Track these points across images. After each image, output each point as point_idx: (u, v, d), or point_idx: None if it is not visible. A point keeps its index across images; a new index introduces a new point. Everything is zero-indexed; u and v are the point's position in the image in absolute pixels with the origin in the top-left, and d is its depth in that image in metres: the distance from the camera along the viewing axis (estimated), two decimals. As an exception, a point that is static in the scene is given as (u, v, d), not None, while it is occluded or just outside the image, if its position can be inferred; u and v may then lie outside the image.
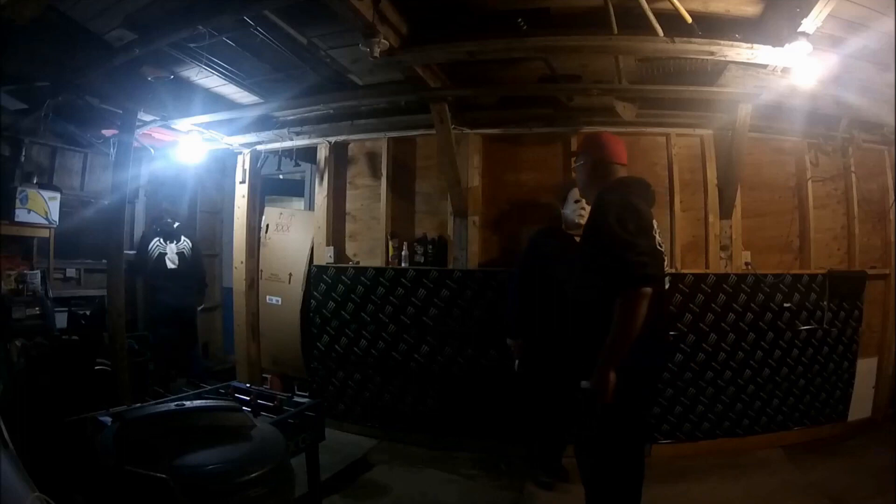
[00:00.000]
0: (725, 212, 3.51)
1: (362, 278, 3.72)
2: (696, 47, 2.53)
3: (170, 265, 4.48)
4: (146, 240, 4.54)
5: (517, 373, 3.04)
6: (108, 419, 1.98)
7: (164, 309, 4.47)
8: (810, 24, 2.24)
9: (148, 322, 4.61)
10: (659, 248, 1.92)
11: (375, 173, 3.97)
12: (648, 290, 1.75)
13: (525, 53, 2.84)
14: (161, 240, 4.48)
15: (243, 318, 4.43)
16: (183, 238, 4.60)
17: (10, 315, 3.50)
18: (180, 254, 4.52)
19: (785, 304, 3.42)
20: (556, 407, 2.91)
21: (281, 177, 5.46)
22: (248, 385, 3.04)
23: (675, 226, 3.52)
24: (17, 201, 3.89)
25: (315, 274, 3.96)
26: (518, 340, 2.99)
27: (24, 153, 4.09)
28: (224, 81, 3.44)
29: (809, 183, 3.69)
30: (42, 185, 4.13)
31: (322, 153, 4.09)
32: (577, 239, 2.67)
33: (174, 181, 5.27)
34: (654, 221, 1.95)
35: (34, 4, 2.25)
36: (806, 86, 2.82)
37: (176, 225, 4.61)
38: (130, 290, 4.95)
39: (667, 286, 2.04)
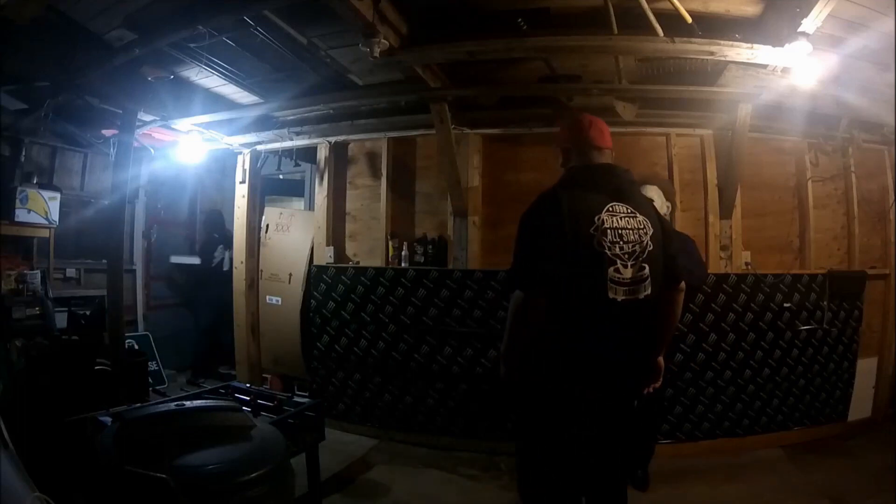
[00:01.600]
0: (725, 212, 3.51)
1: (362, 278, 3.72)
2: (696, 47, 2.53)
3: (224, 267, 5.01)
4: (211, 247, 5.19)
5: None
6: (108, 419, 1.98)
7: (216, 301, 5.03)
8: (810, 24, 2.24)
9: (204, 313, 5.25)
10: (598, 248, 1.61)
11: (375, 173, 3.97)
12: (523, 296, 1.62)
13: (525, 53, 2.84)
14: (223, 247, 5.08)
15: (243, 318, 4.43)
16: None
17: (10, 315, 3.50)
18: (232, 259, 5.03)
19: (785, 304, 3.42)
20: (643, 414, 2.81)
21: (281, 177, 5.46)
22: (248, 385, 3.04)
23: (675, 226, 3.52)
24: (17, 201, 3.88)
25: (315, 274, 3.96)
26: None
27: (24, 153, 4.09)
28: (224, 81, 3.44)
29: (809, 183, 3.69)
30: (42, 185, 4.13)
31: (322, 153, 4.09)
32: None
33: (174, 181, 5.28)
34: (604, 218, 1.64)
35: (34, 4, 2.25)
36: (806, 86, 2.82)
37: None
38: (131, 290, 5.01)
39: (620, 297, 1.62)
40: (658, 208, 2.67)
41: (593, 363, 1.64)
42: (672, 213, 2.91)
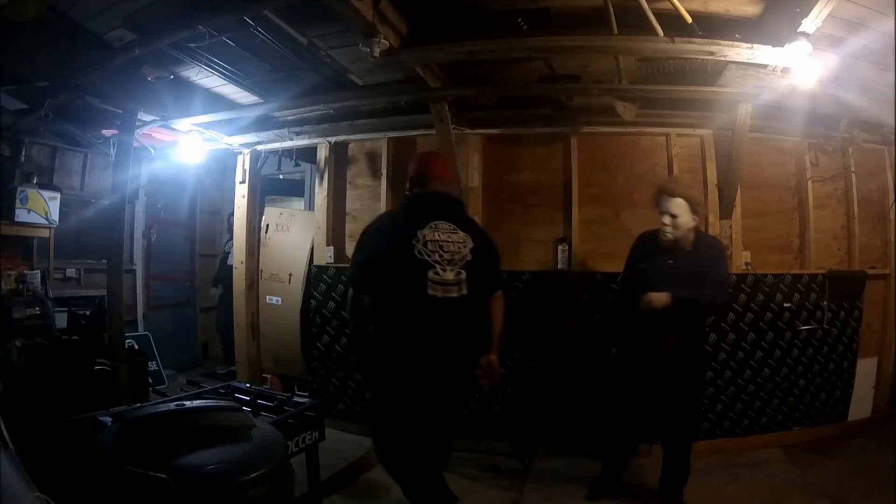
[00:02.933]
0: (725, 212, 3.50)
1: (362, 278, 3.71)
2: (696, 47, 2.53)
3: (228, 261, 5.04)
4: (225, 241, 5.44)
5: (610, 380, 2.71)
6: (108, 419, 1.97)
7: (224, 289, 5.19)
8: (810, 24, 2.24)
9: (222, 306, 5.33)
10: (418, 256, 2.06)
11: (375, 173, 3.96)
12: (354, 293, 2.21)
13: (525, 53, 2.84)
14: (231, 242, 5.05)
15: (243, 318, 4.43)
16: None
17: (10, 315, 3.50)
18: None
19: (785, 304, 3.42)
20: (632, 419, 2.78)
21: (281, 177, 5.46)
22: (248, 385, 3.04)
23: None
24: (17, 201, 3.88)
25: (315, 274, 3.96)
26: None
27: (24, 153, 4.09)
28: (224, 81, 3.43)
29: (809, 183, 3.68)
30: (42, 185, 4.13)
31: (322, 153, 4.09)
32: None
33: (174, 181, 5.28)
34: (425, 232, 2.10)
35: (35, 4, 2.25)
36: (806, 86, 2.82)
37: None
38: (131, 290, 5.01)
39: (440, 294, 2.08)
40: (684, 224, 2.48)
41: (419, 343, 2.09)
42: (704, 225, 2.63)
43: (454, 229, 2.17)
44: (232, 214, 5.15)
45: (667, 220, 2.50)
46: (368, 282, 2.16)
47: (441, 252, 2.10)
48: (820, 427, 3.52)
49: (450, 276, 2.08)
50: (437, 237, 2.12)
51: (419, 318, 2.08)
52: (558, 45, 2.71)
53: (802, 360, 3.48)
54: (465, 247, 2.15)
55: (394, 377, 2.13)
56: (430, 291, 2.05)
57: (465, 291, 2.10)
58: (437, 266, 2.07)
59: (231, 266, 4.93)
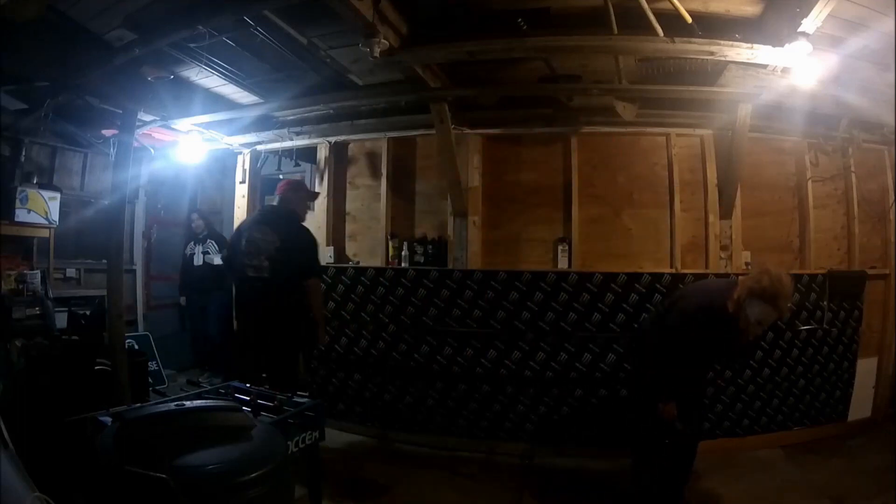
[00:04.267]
0: (725, 212, 3.51)
1: (362, 278, 3.72)
2: (696, 47, 2.53)
3: (195, 262, 5.11)
4: (185, 242, 5.40)
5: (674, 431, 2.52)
6: (108, 419, 1.97)
7: (191, 294, 5.22)
8: (810, 24, 2.24)
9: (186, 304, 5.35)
10: (242, 249, 3.08)
11: (375, 173, 3.97)
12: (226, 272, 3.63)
13: (525, 53, 2.85)
14: (193, 243, 5.18)
15: (243, 318, 4.43)
16: (209, 241, 5.12)
17: (10, 315, 3.50)
18: (205, 253, 5.12)
19: (785, 304, 3.42)
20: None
21: (281, 177, 5.44)
22: (248, 385, 3.03)
23: (675, 226, 3.52)
24: (17, 201, 3.88)
25: (315, 274, 3.95)
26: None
27: (24, 153, 4.09)
28: (224, 81, 3.44)
29: (809, 183, 3.69)
30: (42, 185, 4.13)
31: (322, 153, 4.09)
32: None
33: (174, 181, 5.27)
34: (250, 232, 3.08)
35: (35, 4, 2.25)
36: (806, 86, 2.82)
37: (202, 233, 5.17)
38: (131, 290, 5.00)
39: (252, 273, 3.04)
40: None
41: (245, 304, 3.24)
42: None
43: (267, 231, 3.04)
44: (194, 212, 5.31)
45: (759, 329, 2.35)
46: (228, 264, 3.31)
47: (253, 247, 3.05)
48: (820, 427, 3.52)
49: (255, 262, 3.03)
50: (253, 237, 3.07)
51: (241, 290, 3.27)
52: (558, 45, 2.72)
53: (802, 360, 3.48)
54: (271, 244, 3.01)
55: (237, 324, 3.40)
56: (249, 273, 3.05)
57: (267, 275, 3.01)
58: (251, 255, 3.05)
59: (195, 269, 5.01)
